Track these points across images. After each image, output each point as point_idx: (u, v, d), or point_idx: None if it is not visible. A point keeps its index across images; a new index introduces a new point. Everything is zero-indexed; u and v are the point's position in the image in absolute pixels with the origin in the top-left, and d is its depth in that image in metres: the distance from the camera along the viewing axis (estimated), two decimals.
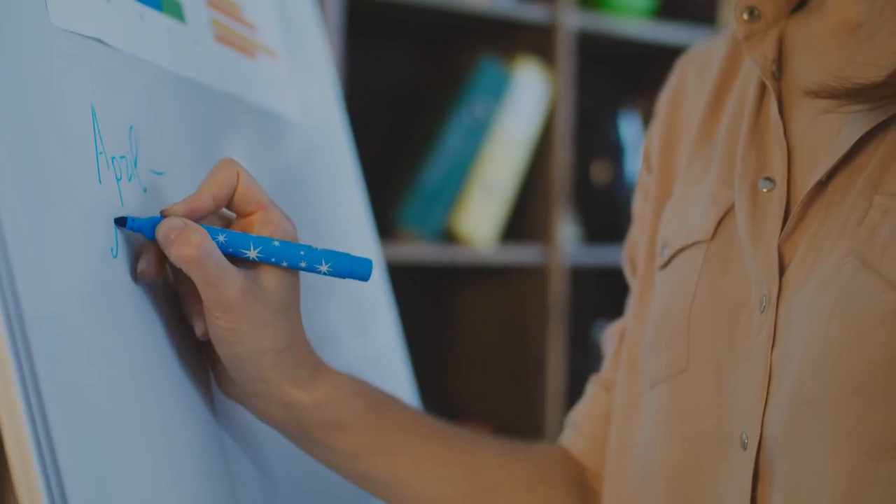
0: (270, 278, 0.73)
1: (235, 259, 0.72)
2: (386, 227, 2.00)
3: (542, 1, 2.10)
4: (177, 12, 0.81)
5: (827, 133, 0.72)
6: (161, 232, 0.69)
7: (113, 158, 0.68)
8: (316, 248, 0.74)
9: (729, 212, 0.76)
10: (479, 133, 2.04)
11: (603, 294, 2.44)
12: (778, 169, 0.74)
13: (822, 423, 0.66)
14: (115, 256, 0.66)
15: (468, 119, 2.03)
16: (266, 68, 0.96)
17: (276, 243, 0.73)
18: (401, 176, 2.05)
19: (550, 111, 2.11)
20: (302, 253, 0.73)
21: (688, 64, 0.88)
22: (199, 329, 0.73)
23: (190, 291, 0.72)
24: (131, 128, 0.71)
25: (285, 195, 0.96)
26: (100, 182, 0.66)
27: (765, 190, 0.74)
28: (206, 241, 0.69)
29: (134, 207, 0.69)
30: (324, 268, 0.73)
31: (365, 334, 1.05)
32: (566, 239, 2.17)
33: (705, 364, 0.74)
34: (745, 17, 0.78)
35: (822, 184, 0.71)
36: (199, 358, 0.76)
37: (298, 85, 1.03)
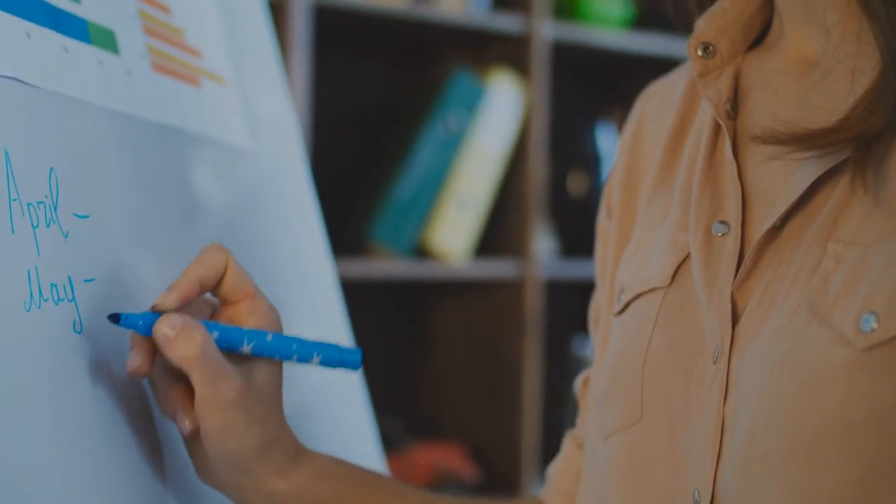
0: (262, 372, 0.73)
1: (227, 352, 0.72)
2: (357, 242, 1.97)
3: (516, 11, 2.06)
4: (109, 43, 0.78)
5: (782, 175, 0.69)
6: (160, 331, 0.68)
7: (29, 205, 0.64)
8: (306, 341, 0.75)
9: (688, 257, 0.73)
10: (452, 146, 2.00)
11: (580, 307, 2.40)
12: (732, 212, 0.70)
13: (772, 480, 0.63)
14: (29, 311, 0.63)
15: (441, 131, 2.00)
16: (212, 96, 0.93)
17: (269, 337, 0.73)
18: (373, 190, 2.01)
19: (525, 123, 2.08)
20: (294, 346, 0.74)
21: (648, 100, 0.84)
22: (186, 427, 0.72)
23: (172, 388, 0.72)
24: (51, 170, 0.67)
25: (236, 227, 0.92)
26: (13, 232, 0.63)
27: (719, 234, 0.71)
28: (208, 340, 0.69)
29: (52, 255, 0.66)
30: (315, 360, 0.75)
31: None
32: (542, 252, 2.14)
33: (659, 416, 0.71)
34: (700, 53, 0.74)
35: (777, 228, 0.67)
36: (137, 416, 0.73)
37: (250, 109, 1.00)
